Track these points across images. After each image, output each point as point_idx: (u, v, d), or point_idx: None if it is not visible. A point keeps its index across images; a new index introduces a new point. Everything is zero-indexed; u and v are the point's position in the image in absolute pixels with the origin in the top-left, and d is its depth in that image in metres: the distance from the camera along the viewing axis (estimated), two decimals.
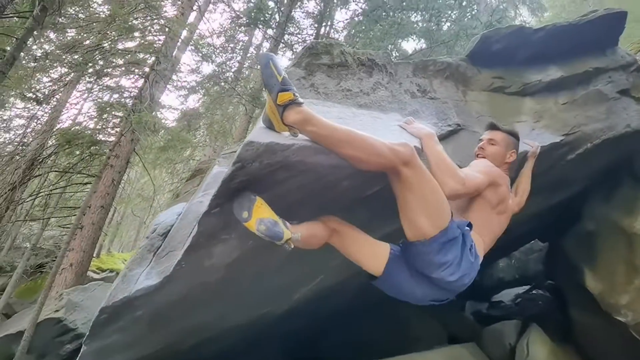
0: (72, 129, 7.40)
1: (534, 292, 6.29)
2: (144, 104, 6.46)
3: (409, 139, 2.06)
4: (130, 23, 8.31)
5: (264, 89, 1.70)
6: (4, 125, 10.70)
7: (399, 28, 8.95)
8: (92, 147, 7.21)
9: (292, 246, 1.73)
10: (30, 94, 7.58)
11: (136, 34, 8.43)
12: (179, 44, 9.61)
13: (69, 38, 8.87)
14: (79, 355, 2.74)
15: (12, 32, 6.46)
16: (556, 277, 5.40)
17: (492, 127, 2.32)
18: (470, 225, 1.95)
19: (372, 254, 2.00)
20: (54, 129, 7.26)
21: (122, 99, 8.20)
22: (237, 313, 3.16)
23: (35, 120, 8.99)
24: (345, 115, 2.07)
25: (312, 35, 9.43)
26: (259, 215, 1.65)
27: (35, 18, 6.01)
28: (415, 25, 9.51)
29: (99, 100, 8.65)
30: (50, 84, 8.28)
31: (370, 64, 2.48)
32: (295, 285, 3.07)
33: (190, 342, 3.39)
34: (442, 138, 2.53)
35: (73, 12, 8.09)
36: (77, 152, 7.61)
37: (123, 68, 8.63)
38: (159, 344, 3.15)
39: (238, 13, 11.08)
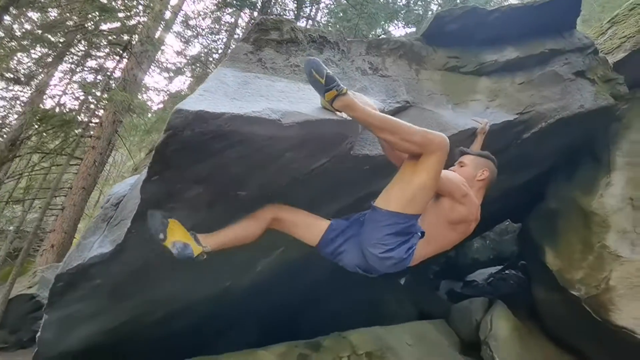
0: (52, 109, 7.39)
1: (506, 272, 6.46)
2: (119, 82, 6.46)
3: None
4: (111, 4, 8.27)
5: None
6: None
7: (386, 11, 8.93)
8: (74, 129, 7.24)
9: (205, 256, 1.98)
10: (10, 75, 7.53)
11: (119, 15, 8.40)
12: (162, 25, 9.58)
13: (51, 18, 8.82)
14: (41, 324, 2.84)
15: None
16: (524, 256, 5.55)
17: (462, 152, 2.36)
18: (423, 233, 2.02)
19: (308, 231, 2.17)
20: (34, 110, 7.23)
21: (103, 80, 8.18)
22: (200, 286, 3.25)
23: (17, 101, 8.93)
24: (289, 90, 2.14)
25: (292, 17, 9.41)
26: (173, 238, 1.91)
27: None
28: (401, 10, 9.49)
29: (80, 81, 8.62)
30: (31, 64, 8.22)
31: (322, 41, 2.53)
32: (256, 257, 3.16)
33: (157, 315, 3.48)
34: (391, 114, 2.62)
35: None
36: (60, 134, 7.64)
37: (106, 49, 8.61)
38: (125, 316, 3.24)
39: None
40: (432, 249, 2.12)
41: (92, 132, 8.22)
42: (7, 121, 8.71)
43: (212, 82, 1.90)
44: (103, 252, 2.33)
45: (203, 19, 11.68)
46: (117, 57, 7.42)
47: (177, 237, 1.91)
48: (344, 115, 1.95)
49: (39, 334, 2.91)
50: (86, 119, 7.28)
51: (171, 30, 9.73)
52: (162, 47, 10.30)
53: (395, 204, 1.86)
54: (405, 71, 2.86)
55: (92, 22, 8.13)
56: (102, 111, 8.13)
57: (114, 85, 7.05)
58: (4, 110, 10.21)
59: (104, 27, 8.53)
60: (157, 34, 9.25)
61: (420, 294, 5.97)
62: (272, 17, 2.42)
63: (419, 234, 2.00)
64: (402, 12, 9.09)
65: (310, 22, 10.68)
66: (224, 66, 2.14)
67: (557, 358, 4.31)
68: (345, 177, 2.58)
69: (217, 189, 2.15)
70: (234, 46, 2.27)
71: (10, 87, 8.63)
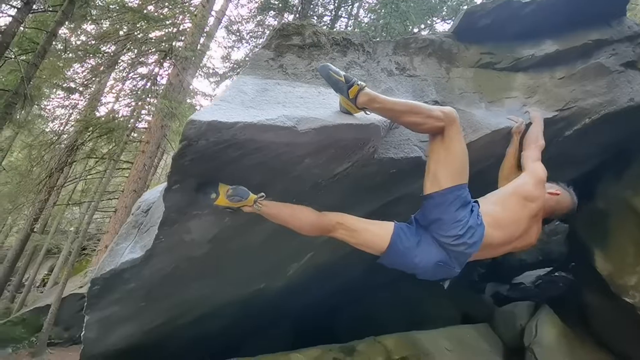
0: (102, 117, 7.79)
1: (555, 274, 6.14)
2: (164, 89, 6.70)
3: (371, 115, 2.09)
4: (157, 13, 8.62)
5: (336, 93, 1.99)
6: (49, 115, 11.30)
7: (428, 6, 8.71)
8: (122, 135, 7.60)
9: (262, 205, 2.01)
10: (65, 84, 8.02)
11: (164, 22, 8.72)
12: (206, 31, 9.85)
13: (104, 29, 9.31)
14: (84, 324, 3.00)
15: (44, 26, 6.83)
16: (572, 258, 5.25)
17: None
18: (477, 202, 2.11)
19: (374, 237, 2.07)
20: (85, 118, 7.67)
21: (149, 87, 8.52)
22: (231, 287, 3.32)
23: (73, 110, 9.50)
24: (308, 95, 2.12)
25: (329, 19, 9.39)
26: (225, 189, 1.94)
27: (64, 11, 6.35)
28: (445, 4, 9.23)
29: (131, 89, 9.03)
30: (86, 73, 8.71)
31: (345, 44, 2.50)
32: (286, 261, 3.18)
33: (189, 316, 3.59)
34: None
35: (102, 4, 8.42)
36: (113, 140, 8.06)
37: (154, 57, 8.98)
38: (160, 317, 3.37)
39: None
40: (507, 234, 2.14)
41: (142, 137, 8.61)
42: (65, 129, 9.26)
43: (231, 91, 1.92)
44: (134, 257, 2.42)
45: (247, 22, 11.90)
46: (161, 64, 7.69)
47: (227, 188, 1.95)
48: (366, 112, 1.99)
49: (82, 333, 3.07)
50: (133, 125, 7.61)
51: (215, 36, 9.95)
52: (208, 53, 10.58)
53: (447, 181, 1.95)
54: (435, 70, 2.77)
55: (139, 32, 8.51)
56: (150, 117, 8.48)
57: (158, 91, 7.32)
58: (64, 118, 10.91)
59: (151, 35, 8.93)
60: (202, 40, 9.51)
61: (463, 296, 5.78)
62: (293, 22, 2.41)
63: (475, 203, 2.08)
64: (439, 7, 8.81)
65: (350, 21, 10.60)
66: (244, 74, 2.16)
67: None
68: (371, 181, 2.53)
69: None
70: (254, 53, 2.29)
71: (68, 96, 9.17)
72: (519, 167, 2.60)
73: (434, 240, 2.00)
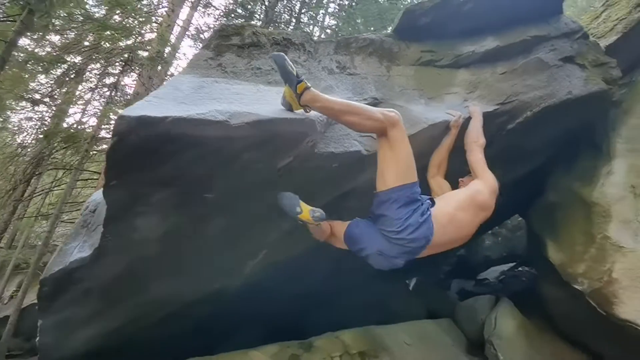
0: (70, 127, 7.71)
1: (518, 269, 6.31)
2: (132, 99, 6.68)
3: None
4: (123, 23, 8.58)
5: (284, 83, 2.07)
6: (15, 127, 11.07)
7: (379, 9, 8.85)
8: (89, 144, 7.53)
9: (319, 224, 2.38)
10: (29, 96, 7.91)
11: (125, 32, 8.69)
12: (172, 40, 9.84)
13: (70, 39, 9.22)
14: (39, 329, 2.97)
15: (3, 36, 6.75)
16: (530, 252, 5.41)
17: None
18: (432, 201, 2.30)
19: (338, 239, 2.46)
20: (53, 128, 7.57)
21: (118, 97, 8.47)
22: (191, 287, 3.32)
23: (38, 121, 9.35)
24: (245, 92, 2.19)
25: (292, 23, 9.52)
26: (308, 208, 2.35)
27: (23, 21, 6.28)
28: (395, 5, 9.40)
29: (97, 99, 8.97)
30: (50, 84, 8.61)
31: (286, 43, 2.58)
32: (242, 259, 3.21)
33: (153, 318, 3.58)
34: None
35: (66, 14, 8.35)
36: (80, 150, 7.96)
37: (117, 67, 8.93)
38: (122, 319, 3.34)
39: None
40: (456, 233, 2.33)
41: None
42: (30, 141, 9.11)
43: (165, 89, 1.98)
44: (83, 256, 2.44)
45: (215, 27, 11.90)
46: (126, 74, 7.67)
47: (309, 207, 2.36)
48: (306, 110, 2.10)
49: (37, 339, 3.04)
50: (97, 135, 7.55)
51: (181, 45, 9.95)
52: (175, 62, 10.57)
53: (392, 180, 2.11)
54: (375, 68, 2.87)
55: (105, 42, 8.46)
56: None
57: (124, 101, 7.29)
58: (32, 130, 10.71)
59: (116, 45, 8.87)
60: (168, 49, 9.50)
61: (430, 293, 5.90)
62: (233, 23, 2.49)
63: (429, 201, 2.26)
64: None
65: (316, 27, 10.75)
66: (182, 73, 2.22)
67: (566, 355, 4.18)
68: (316, 176, 2.60)
69: (182, 191, 2.21)
70: (194, 54, 2.35)
71: (31, 108, 9.03)
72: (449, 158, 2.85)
73: (380, 233, 2.19)
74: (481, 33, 3.28)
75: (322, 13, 11.05)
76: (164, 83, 2.08)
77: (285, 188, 2.57)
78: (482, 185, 2.50)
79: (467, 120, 2.86)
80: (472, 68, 3.20)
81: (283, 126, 2.07)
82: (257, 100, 2.12)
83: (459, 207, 2.33)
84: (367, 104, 2.64)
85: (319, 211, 2.32)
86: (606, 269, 3.58)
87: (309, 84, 2.02)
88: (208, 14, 10.64)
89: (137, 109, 1.71)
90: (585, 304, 3.72)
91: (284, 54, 2.02)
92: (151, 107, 1.76)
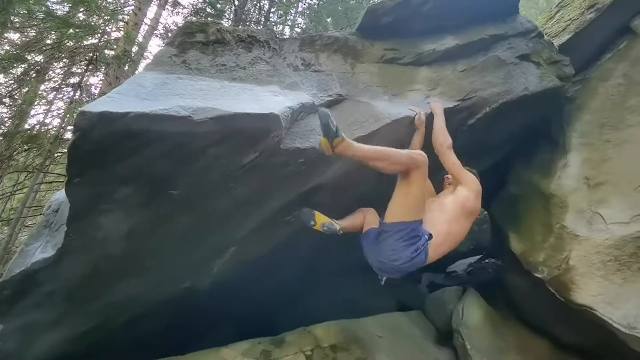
0: (32, 128, 7.48)
1: (485, 260, 6.50)
2: (95, 98, 6.53)
3: (271, 105, 2.21)
4: (87, 21, 8.39)
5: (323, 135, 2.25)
6: None
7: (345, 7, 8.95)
8: (51, 145, 7.32)
9: (342, 232, 2.83)
10: None
11: (95, 31, 8.50)
12: (140, 39, 9.68)
13: (30, 37, 8.94)
14: None
15: None
16: (495, 243, 5.59)
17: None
18: (430, 236, 2.50)
19: (368, 224, 2.90)
20: (15, 130, 7.33)
21: (83, 97, 8.27)
22: (159, 287, 3.29)
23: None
24: (209, 88, 2.20)
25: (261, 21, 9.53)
26: (321, 221, 2.80)
27: None
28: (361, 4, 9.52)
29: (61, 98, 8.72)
30: (10, 83, 8.34)
31: (251, 40, 2.61)
32: (209, 257, 3.21)
33: (122, 319, 3.53)
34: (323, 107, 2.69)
35: (25, 12, 8.10)
36: (43, 152, 7.72)
37: (83, 66, 8.72)
38: (89, 322, 3.29)
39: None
40: (451, 245, 2.66)
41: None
42: None
43: (127, 85, 1.98)
44: (45, 257, 2.40)
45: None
46: (91, 73, 7.50)
47: (323, 220, 2.80)
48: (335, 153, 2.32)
49: None
50: (61, 136, 7.35)
51: (149, 44, 9.80)
52: (143, 61, 10.39)
53: (398, 216, 2.40)
54: (340, 65, 2.93)
55: (68, 40, 8.25)
56: None
57: (90, 101, 7.13)
58: None
59: (81, 44, 8.66)
60: (135, 48, 9.34)
61: (400, 287, 6.00)
62: (197, 20, 2.50)
63: (426, 236, 2.47)
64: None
65: (286, 27, 10.77)
66: (145, 70, 2.22)
67: (530, 341, 4.33)
68: (283, 171, 2.63)
69: (147, 189, 2.21)
70: (158, 51, 2.35)
71: None
72: None
73: (378, 250, 2.55)
74: (442, 32, 3.39)
75: (292, 12, 11.09)
76: (127, 80, 2.07)
77: (251, 184, 2.60)
78: (468, 191, 2.72)
79: (430, 116, 2.96)
80: (433, 66, 3.31)
81: (246, 121, 2.09)
82: (221, 96, 2.14)
83: (452, 220, 2.62)
84: (331, 100, 2.71)
85: (327, 226, 2.77)
86: (564, 257, 3.74)
87: (345, 137, 2.24)
88: (176, 13, 10.51)
89: (99, 105, 1.71)
90: (546, 291, 3.88)
91: (329, 111, 2.20)
92: (113, 102, 1.76)
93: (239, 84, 2.37)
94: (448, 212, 2.64)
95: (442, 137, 2.87)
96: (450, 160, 2.85)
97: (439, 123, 2.93)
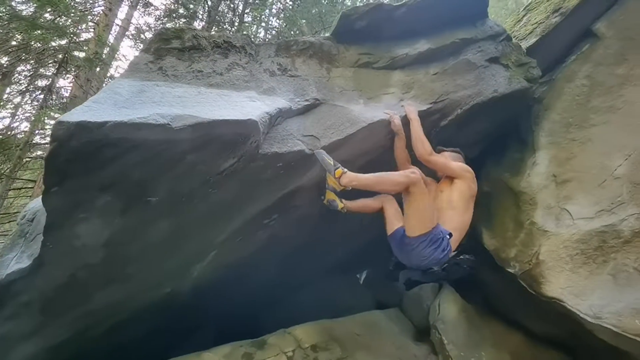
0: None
1: (460, 257, 6.64)
2: (68, 103, 6.40)
3: (249, 110, 2.24)
4: (55, 22, 8.19)
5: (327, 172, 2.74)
6: None
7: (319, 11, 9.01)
8: (26, 152, 7.14)
9: (345, 211, 3.13)
10: None
11: (64, 32, 8.30)
12: (111, 40, 9.51)
13: None
14: None
15: None
16: (469, 240, 5.73)
17: (440, 150, 3.31)
18: (450, 234, 2.82)
19: (390, 224, 3.10)
20: None
21: (53, 100, 8.07)
22: (140, 293, 3.28)
23: None
24: (187, 94, 2.21)
25: (236, 23, 9.49)
26: (329, 197, 3.10)
27: None
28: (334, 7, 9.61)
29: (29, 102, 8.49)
30: None
31: (227, 46, 2.63)
32: (189, 262, 3.21)
33: (102, 327, 3.49)
34: (301, 112, 2.74)
35: None
36: (11, 158, 7.50)
37: (52, 69, 8.51)
38: (65, 332, 3.23)
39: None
40: (465, 230, 3.10)
41: (45, 154, 8.09)
42: None
43: (104, 94, 1.97)
44: (21, 267, 2.37)
45: (155, 31, 11.58)
46: (60, 75, 7.33)
47: (330, 197, 3.07)
48: (346, 188, 2.75)
49: None
50: (30, 141, 7.16)
51: (121, 46, 9.62)
52: (114, 63, 10.21)
53: (418, 229, 2.68)
54: (316, 70, 2.98)
55: (36, 41, 8.04)
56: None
57: (60, 105, 6.97)
58: None
59: (49, 45, 8.44)
60: (106, 50, 9.17)
61: (379, 285, 6.10)
62: (172, 27, 2.50)
63: (447, 236, 2.78)
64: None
65: (260, 28, 10.75)
66: (122, 77, 2.21)
67: (504, 334, 4.46)
68: (262, 176, 2.66)
69: (126, 196, 2.20)
70: (134, 57, 2.34)
71: None
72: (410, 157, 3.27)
73: (408, 253, 2.85)
74: (414, 36, 3.47)
75: (266, 14, 11.07)
76: (103, 87, 2.06)
77: (230, 189, 2.62)
78: (465, 181, 3.04)
79: (406, 118, 3.04)
80: (406, 69, 3.39)
81: (225, 128, 2.12)
82: (198, 102, 2.16)
83: (462, 211, 3.00)
84: (308, 104, 2.76)
85: (330, 202, 3.10)
86: (534, 252, 3.87)
87: (344, 169, 2.63)
88: (148, 14, 10.35)
89: (76, 114, 1.71)
90: (518, 285, 4.00)
91: (323, 150, 2.63)
92: (91, 112, 1.76)
93: (216, 90, 2.39)
94: (458, 207, 2.95)
95: (421, 148, 3.01)
96: (438, 165, 3.07)
97: (416, 132, 3.03)
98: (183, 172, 2.24)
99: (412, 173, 2.63)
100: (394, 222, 3.08)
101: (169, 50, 2.41)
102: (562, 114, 4.13)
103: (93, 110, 1.78)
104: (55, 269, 2.48)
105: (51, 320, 3.00)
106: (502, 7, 16.47)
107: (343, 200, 3.09)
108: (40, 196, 2.85)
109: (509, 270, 4.05)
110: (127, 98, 1.98)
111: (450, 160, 3.12)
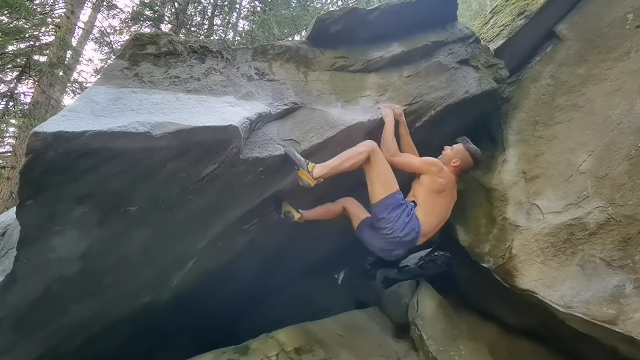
0: None
1: (435, 253, 6.79)
2: (30, 109, 6.16)
3: (229, 116, 2.23)
4: (12, 24, 7.87)
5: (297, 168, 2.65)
6: None
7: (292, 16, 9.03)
8: None
9: (303, 221, 3.22)
10: None
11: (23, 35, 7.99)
12: (74, 44, 9.21)
13: None
14: None
15: None
16: (444, 237, 5.86)
17: (462, 140, 3.38)
18: (415, 203, 2.98)
19: (355, 219, 3.20)
20: None
21: (13, 106, 7.76)
22: (117, 304, 3.20)
23: None
24: (165, 101, 2.18)
25: (206, 27, 9.37)
26: (285, 209, 3.15)
27: None
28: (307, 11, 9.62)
29: None
30: None
31: (203, 51, 2.59)
32: (168, 270, 3.16)
33: (76, 341, 3.38)
34: (280, 116, 2.74)
35: None
36: None
37: (14, 73, 8.19)
38: (39, 348, 3.12)
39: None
40: (437, 219, 3.12)
41: (6, 163, 7.80)
42: None
43: (80, 102, 1.91)
44: None
45: (119, 34, 11.32)
46: (20, 80, 7.06)
47: (287, 209, 3.15)
48: (320, 180, 2.70)
49: None
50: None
51: (84, 49, 9.33)
52: (78, 67, 9.90)
53: (380, 193, 2.80)
54: (293, 74, 2.98)
55: None
56: (14, 139, 7.73)
57: (22, 111, 6.71)
58: None
59: (8, 49, 8.12)
60: (69, 54, 8.88)
61: (357, 285, 6.16)
62: (147, 32, 2.46)
63: (411, 203, 2.94)
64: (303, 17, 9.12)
65: (229, 31, 10.64)
66: (97, 84, 2.15)
67: (480, 326, 4.60)
68: (243, 181, 2.65)
69: (103, 206, 2.15)
70: (108, 64, 2.29)
71: None
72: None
73: (379, 233, 2.90)
74: (388, 39, 3.52)
75: (235, 17, 10.97)
76: (79, 96, 2.00)
77: (210, 195, 2.59)
78: (429, 175, 3.05)
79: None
80: (381, 72, 3.44)
81: (205, 134, 2.09)
82: (177, 109, 2.13)
83: (429, 203, 3.02)
84: (287, 108, 2.77)
85: (286, 214, 3.14)
86: (507, 247, 4.00)
87: (313, 164, 2.64)
88: (113, 16, 10.09)
89: (53, 124, 1.66)
90: (492, 279, 4.12)
91: (292, 148, 2.65)
92: (68, 121, 1.71)
93: (195, 96, 2.36)
94: (422, 202, 3.00)
95: (385, 150, 3.03)
96: (404, 165, 3.08)
97: (386, 133, 3.09)
98: (163, 180, 2.20)
99: (370, 141, 2.81)
100: (359, 214, 3.19)
101: (145, 56, 2.36)
102: (529, 112, 4.28)
103: (70, 120, 1.72)
104: (29, 284, 2.39)
105: (24, 337, 2.88)
106: (466, 9, 16.87)
107: (300, 210, 3.19)
108: (10, 209, 2.75)
109: (484, 265, 4.16)
110: (104, 106, 1.93)
111: (413, 158, 3.16)
